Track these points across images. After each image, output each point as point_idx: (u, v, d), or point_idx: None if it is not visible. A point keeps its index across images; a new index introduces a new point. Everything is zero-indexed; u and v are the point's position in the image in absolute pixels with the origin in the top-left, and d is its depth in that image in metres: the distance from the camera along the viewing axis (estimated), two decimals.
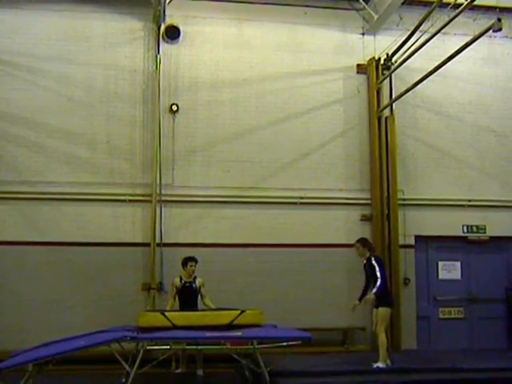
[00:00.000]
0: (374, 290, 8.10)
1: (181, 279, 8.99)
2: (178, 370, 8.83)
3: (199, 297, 8.98)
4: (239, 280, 10.33)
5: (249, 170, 10.75)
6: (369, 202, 10.97)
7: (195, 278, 9.00)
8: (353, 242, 10.50)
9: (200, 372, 8.51)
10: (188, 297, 8.91)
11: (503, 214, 11.27)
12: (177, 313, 8.17)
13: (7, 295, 9.78)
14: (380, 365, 8.10)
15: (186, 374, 8.64)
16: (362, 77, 11.28)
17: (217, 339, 7.35)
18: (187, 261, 9.02)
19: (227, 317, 7.63)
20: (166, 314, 7.66)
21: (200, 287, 8.95)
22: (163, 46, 10.72)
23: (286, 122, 10.97)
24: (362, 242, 8.76)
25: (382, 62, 11.14)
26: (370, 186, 11.01)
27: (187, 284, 8.93)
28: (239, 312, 7.64)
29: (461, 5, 8.57)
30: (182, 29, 10.78)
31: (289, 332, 8.01)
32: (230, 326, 7.47)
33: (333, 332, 10.45)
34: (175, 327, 7.36)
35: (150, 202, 10.28)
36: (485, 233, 11.26)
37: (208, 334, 7.16)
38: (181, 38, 10.82)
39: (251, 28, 11.12)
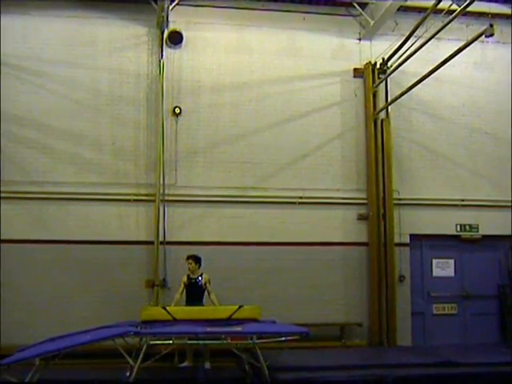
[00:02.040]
0: None
1: (188, 276, 9.04)
2: (184, 364, 8.83)
3: (206, 293, 9.01)
4: (240, 277, 10.32)
5: (249, 170, 10.73)
6: (365, 201, 10.94)
7: (202, 274, 9.04)
8: (349, 240, 10.68)
9: (207, 365, 8.52)
10: (193, 293, 8.98)
11: (495, 214, 11.22)
12: (177, 307, 8.35)
13: (15, 292, 9.77)
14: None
15: (191, 368, 8.61)
16: (359, 80, 11.26)
17: (217, 334, 7.34)
18: (186, 258, 9.13)
19: (225, 311, 7.73)
20: (167, 308, 7.76)
21: (205, 283, 8.99)
22: (166, 50, 10.71)
23: (285, 125, 10.94)
24: None
25: (378, 66, 11.12)
26: (367, 186, 10.98)
27: (193, 280, 9.02)
28: (237, 307, 7.72)
29: (454, 11, 8.55)
30: (184, 34, 10.77)
31: (287, 327, 8.01)
32: (229, 321, 7.53)
33: (330, 327, 10.41)
34: (175, 320, 7.42)
35: (154, 201, 10.27)
36: (477, 231, 11.24)
37: (209, 328, 7.16)
38: (183, 43, 10.81)
39: (251, 33, 11.10)
